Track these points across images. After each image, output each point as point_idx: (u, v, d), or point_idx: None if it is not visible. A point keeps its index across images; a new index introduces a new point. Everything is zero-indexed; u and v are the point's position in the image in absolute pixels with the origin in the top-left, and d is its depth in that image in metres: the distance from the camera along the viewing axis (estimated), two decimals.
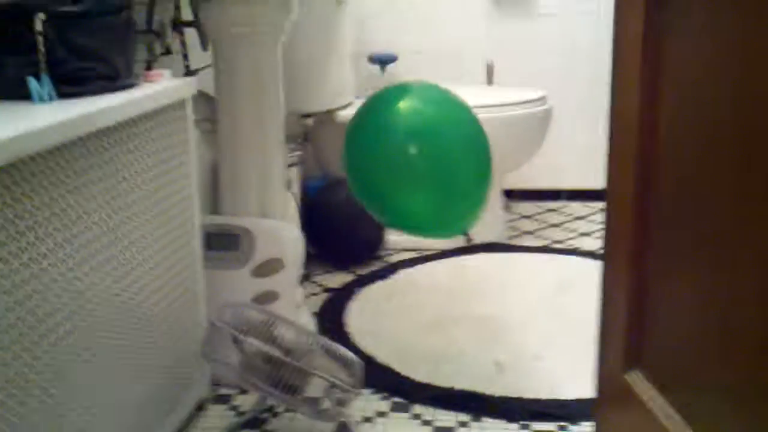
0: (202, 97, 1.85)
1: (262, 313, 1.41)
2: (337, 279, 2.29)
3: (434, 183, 1.55)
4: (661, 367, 1.05)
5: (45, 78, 1.20)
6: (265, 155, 1.72)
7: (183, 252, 1.47)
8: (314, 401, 1.36)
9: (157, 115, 1.33)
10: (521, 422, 1.52)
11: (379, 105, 1.63)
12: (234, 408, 1.60)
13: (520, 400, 1.59)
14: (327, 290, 2.21)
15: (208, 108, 1.85)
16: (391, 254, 2.48)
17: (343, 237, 2.37)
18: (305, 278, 2.23)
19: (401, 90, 1.64)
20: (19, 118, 1.06)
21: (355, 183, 1.66)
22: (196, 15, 1.72)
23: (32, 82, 1.19)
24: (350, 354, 1.38)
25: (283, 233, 1.72)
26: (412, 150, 1.54)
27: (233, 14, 1.63)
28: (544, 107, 2.45)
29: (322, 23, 2.37)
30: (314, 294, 2.18)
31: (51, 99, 1.20)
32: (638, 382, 1.11)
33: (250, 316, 1.41)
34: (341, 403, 1.32)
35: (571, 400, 1.58)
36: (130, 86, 1.32)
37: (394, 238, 2.53)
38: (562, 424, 1.51)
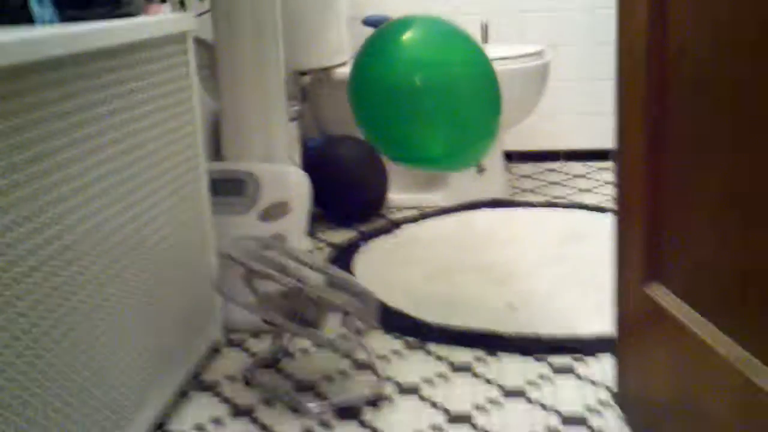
0: (200, 45, 1.81)
1: (273, 247, 1.38)
2: (341, 235, 2.26)
3: (445, 114, 1.52)
4: (681, 276, 1.03)
5: (46, 1, 1.18)
6: (267, 97, 1.69)
7: (190, 193, 1.44)
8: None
9: (158, 44, 1.30)
10: (537, 356, 1.50)
11: (386, 36, 1.60)
12: (248, 350, 1.57)
13: (535, 336, 1.57)
14: (331, 245, 2.18)
15: (206, 55, 1.82)
16: (394, 212, 2.46)
17: (345, 195, 2.34)
18: (308, 235, 2.20)
19: (407, 22, 1.61)
20: (20, 33, 1.03)
21: (363, 118, 1.63)
22: None
23: (34, 5, 1.16)
24: (363, 285, 1.36)
25: (288, 176, 1.69)
26: (420, 81, 1.51)
27: None
28: (543, 61, 2.43)
29: None
30: (318, 249, 2.15)
31: (53, 22, 1.18)
32: (659, 293, 1.09)
33: (260, 250, 1.38)
34: (359, 332, 1.30)
35: (586, 335, 1.56)
36: (133, 14, 1.30)
37: (396, 196, 2.51)
38: (577, 356, 1.49)
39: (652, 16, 1.01)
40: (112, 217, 1.14)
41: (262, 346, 1.59)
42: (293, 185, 1.69)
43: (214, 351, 1.57)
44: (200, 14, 1.81)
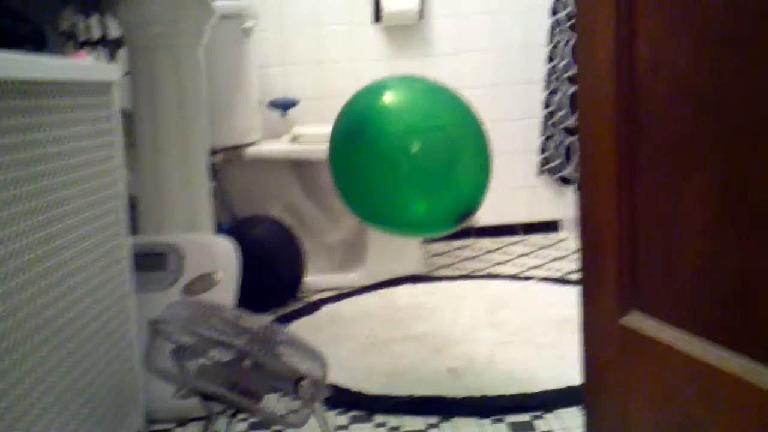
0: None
1: (204, 307, 1.25)
2: (258, 320, 2.13)
3: (434, 179, 1.46)
4: (667, 299, 1.00)
5: None
6: (191, 167, 1.60)
7: (114, 272, 1.31)
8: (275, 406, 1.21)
9: (82, 91, 1.20)
10: (494, 417, 1.42)
11: (366, 105, 1.53)
12: None
13: (486, 398, 1.49)
14: None
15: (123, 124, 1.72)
16: (310, 294, 2.36)
17: (261, 278, 2.22)
18: None
19: (382, 86, 1.55)
20: None
21: (351, 195, 1.53)
22: (103, 31, 1.61)
23: None
24: (312, 345, 1.25)
25: (213, 245, 1.58)
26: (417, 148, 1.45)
27: (152, 13, 1.53)
28: None
29: (229, 55, 2.29)
30: None
31: None
32: (640, 321, 1.05)
33: (191, 313, 1.25)
34: (313, 397, 1.18)
35: (539, 392, 1.50)
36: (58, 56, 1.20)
37: (312, 278, 2.41)
38: (537, 413, 1.43)
39: (619, 32, 1.01)
40: (32, 298, 1.00)
41: None
42: (220, 255, 1.58)
43: None
44: (125, 74, 1.72)
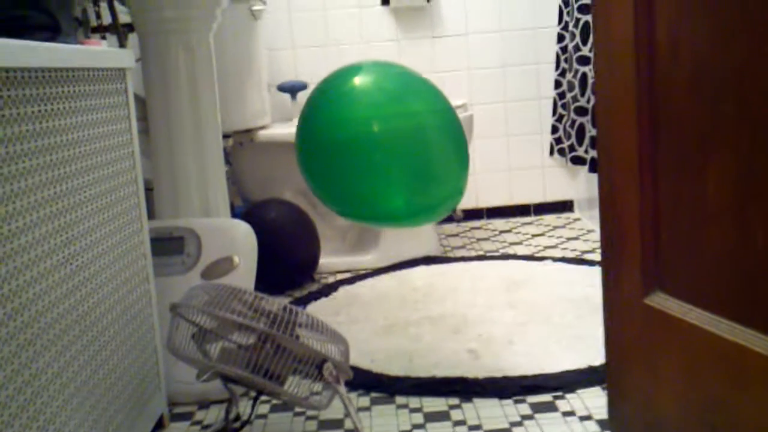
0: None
1: (224, 290, 1.24)
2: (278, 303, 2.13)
3: (410, 169, 1.42)
4: (690, 280, 0.99)
5: None
6: (206, 151, 1.60)
7: (134, 257, 1.31)
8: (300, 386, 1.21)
9: (97, 78, 1.19)
10: (515, 398, 1.42)
11: (335, 88, 1.49)
12: (197, 423, 1.41)
13: (507, 379, 1.49)
14: None
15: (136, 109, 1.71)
16: (326, 277, 2.36)
17: (276, 261, 2.22)
18: None
19: (355, 70, 1.50)
20: None
21: (315, 175, 1.48)
22: (114, 17, 1.60)
23: None
24: (333, 327, 1.25)
25: (232, 229, 1.58)
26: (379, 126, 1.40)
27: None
28: (468, 113, 2.44)
29: (239, 39, 2.28)
30: None
31: None
32: (665, 302, 1.05)
33: (211, 296, 1.24)
34: (337, 379, 1.18)
35: (559, 372, 1.50)
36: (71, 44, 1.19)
37: (327, 260, 2.41)
38: (558, 393, 1.42)
39: (636, 12, 0.99)
40: (52, 287, 0.99)
41: (212, 416, 1.44)
42: (238, 239, 1.58)
43: (159, 426, 1.41)
44: (137, 60, 1.71)
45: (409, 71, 1.50)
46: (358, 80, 1.45)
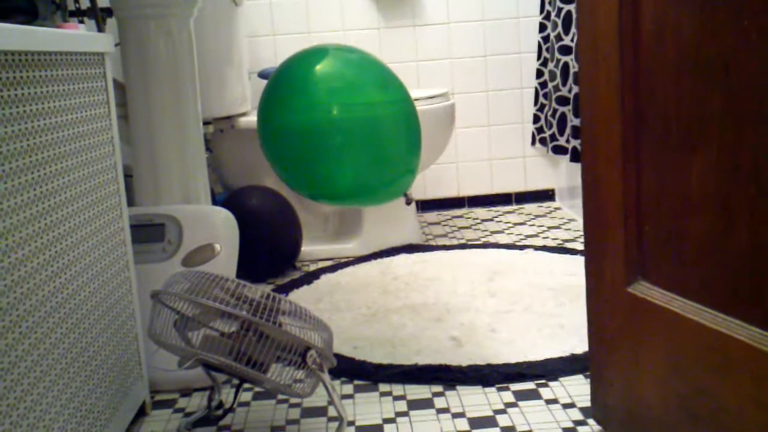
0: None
1: (206, 277, 1.23)
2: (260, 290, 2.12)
3: (364, 147, 1.42)
4: (673, 269, 1.00)
5: None
6: (186, 138, 1.58)
7: (115, 243, 1.29)
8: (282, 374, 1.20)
9: (75, 62, 1.17)
10: (498, 385, 1.42)
11: (295, 67, 1.47)
12: (179, 410, 1.40)
13: (490, 366, 1.49)
14: None
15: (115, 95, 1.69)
16: (308, 265, 2.35)
17: (257, 249, 2.21)
18: None
19: (317, 52, 1.49)
20: None
21: (275, 155, 1.47)
22: (92, 0, 1.57)
23: None
24: (316, 315, 1.24)
25: (212, 216, 1.56)
26: (337, 112, 1.40)
27: None
28: (449, 102, 2.43)
29: (220, 26, 2.25)
30: None
31: None
32: (648, 290, 1.05)
33: (193, 283, 1.23)
34: (321, 367, 1.18)
35: (542, 360, 1.50)
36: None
37: (309, 248, 2.40)
38: (541, 381, 1.43)
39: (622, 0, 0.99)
40: (30, 274, 0.98)
41: (194, 403, 1.43)
42: (219, 226, 1.56)
43: (141, 413, 1.39)
44: (116, 45, 1.68)
45: (369, 57, 1.50)
46: (318, 66, 1.45)
